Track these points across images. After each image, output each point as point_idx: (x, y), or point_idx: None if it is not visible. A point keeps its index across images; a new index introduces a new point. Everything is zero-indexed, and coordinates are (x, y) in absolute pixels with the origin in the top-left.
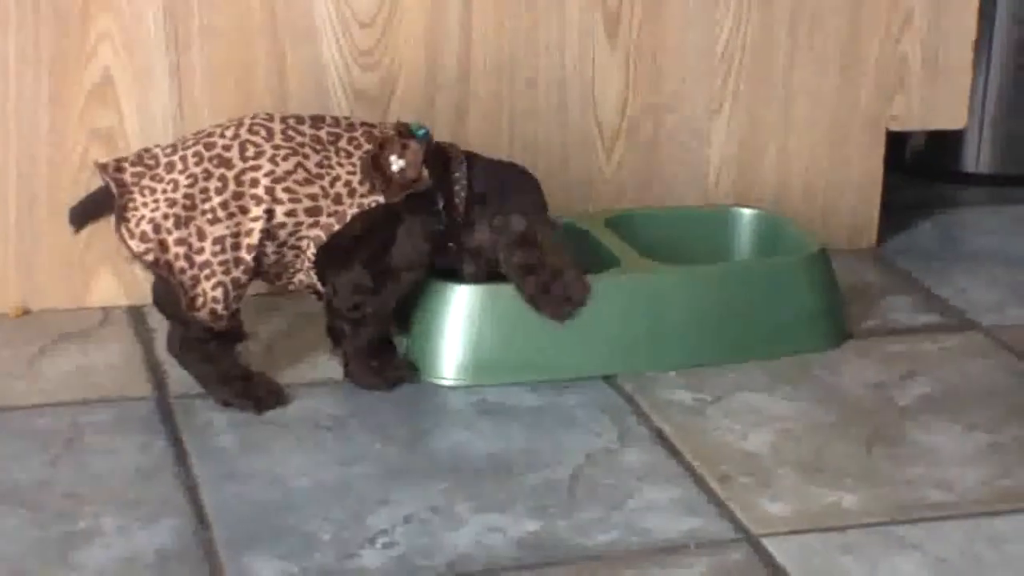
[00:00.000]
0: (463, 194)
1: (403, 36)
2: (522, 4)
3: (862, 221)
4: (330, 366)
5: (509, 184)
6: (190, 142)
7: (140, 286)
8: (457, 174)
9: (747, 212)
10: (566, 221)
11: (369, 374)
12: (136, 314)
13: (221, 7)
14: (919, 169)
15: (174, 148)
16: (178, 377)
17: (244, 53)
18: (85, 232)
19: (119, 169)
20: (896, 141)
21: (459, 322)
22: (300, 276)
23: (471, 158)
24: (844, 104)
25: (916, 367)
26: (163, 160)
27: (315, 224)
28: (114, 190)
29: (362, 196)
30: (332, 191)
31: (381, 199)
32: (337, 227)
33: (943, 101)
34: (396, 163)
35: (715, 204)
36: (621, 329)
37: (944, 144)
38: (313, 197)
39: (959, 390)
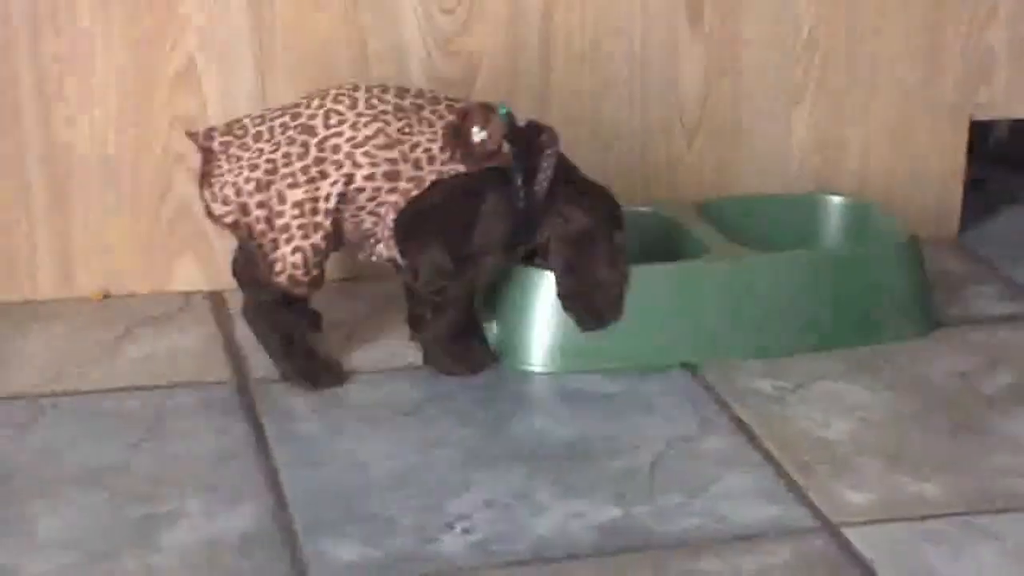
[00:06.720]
0: (545, 183)
1: (485, 22)
2: None
3: (944, 210)
4: (410, 351)
5: (589, 190)
6: (277, 113)
7: (221, 271)
8: (545, 164)
9: (836, 199)
10: (654, 207)
11: (450, 361)
12: (217, 299)
13: None
14: (1002, 158)
15: (262, 119)
16: (258, 362)
17: (326, 39)
18: (167, 217)
19: (208, 137)
20: (979, 130)
21: (547, 309)
22: (380, 247)
23: (562, 156)
24: (928, 93)
25: (1000, 356)
26: (251, 130)
27: (394, 189)
28: (200, 155)
29: (442, 164)
30: (412, 156)
31: (461, 168)
32: (415, 192)
33: None
34: (478, 134)
35: (803, 192)
36: (711, 316)
37: None
38: (392, 161)
39: None
